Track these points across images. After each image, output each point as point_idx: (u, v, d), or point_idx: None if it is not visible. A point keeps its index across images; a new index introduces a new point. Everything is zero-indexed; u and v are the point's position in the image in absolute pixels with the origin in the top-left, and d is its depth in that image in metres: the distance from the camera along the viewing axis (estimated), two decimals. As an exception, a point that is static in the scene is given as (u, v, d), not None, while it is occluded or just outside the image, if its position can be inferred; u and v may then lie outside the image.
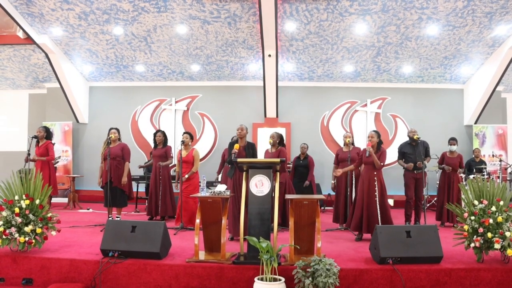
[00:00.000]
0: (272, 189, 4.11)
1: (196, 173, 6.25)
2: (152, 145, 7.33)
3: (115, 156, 6.25)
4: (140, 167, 8.13)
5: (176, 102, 10.24)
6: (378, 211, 5.18)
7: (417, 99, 9.99)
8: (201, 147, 9.97)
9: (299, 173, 7.47)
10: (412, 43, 8.41)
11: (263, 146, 8.76)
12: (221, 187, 4.34)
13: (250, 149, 5.43)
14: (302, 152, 7.62)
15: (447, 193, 6.72)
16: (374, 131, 5.51)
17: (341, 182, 6.46)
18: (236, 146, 5.25)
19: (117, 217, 6.45)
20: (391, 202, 8.83)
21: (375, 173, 5.29)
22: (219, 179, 7.48)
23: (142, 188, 9.10)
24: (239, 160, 4.19)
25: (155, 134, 7.12)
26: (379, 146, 5.42)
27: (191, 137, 6.47)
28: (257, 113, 10.05)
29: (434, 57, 8.89)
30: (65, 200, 9.66)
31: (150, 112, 10.38)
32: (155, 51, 8.95)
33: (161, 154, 6.95)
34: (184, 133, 6.47)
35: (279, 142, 6.31)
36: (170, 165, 6.99)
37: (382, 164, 5.29)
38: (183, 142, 6.22)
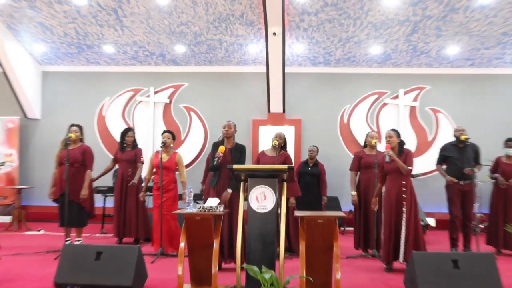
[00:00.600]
0: (278, 204, 4.13)
1: (175, 183, 6.39)
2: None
3: (74, 161, 6.33)
4: (99, 176, 7.49)
5: (155, 92, 10.29)
6: (403, 231, 5.21)
7: (465, 89, 9.97)
8: (187, 151, 10.04)
9: (305, 183, 7.33)
10: (459, 16, 8.38)
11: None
12: (212, 201, 4.39)
13: (238, 152, 5.53)
14: (311, 156, 7.55)
15: (504, 211, 6.70)
16: (392, 130, 5.62)
17: (367, 195, 6.44)
18: (221, 148, 5.35)
19: (77, 240, 6.46)
20: (432, 221, 8.83)
21: (403, 182, 5.36)
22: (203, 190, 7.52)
23: (110, 203, 8.99)
24: (235, 167, 4.22)
25: (125, 133, 7.34)
26: (401, 148, 5.51)
27: (173, 138, 6.58)
28: (259, 107, 10.07)
29: (489, 33, 8.85)
30: (8, 218, 9.58)
31: (122, 105, 10.41)
32: (128, 27, 8.94)
33: (130, 158, 7.20)
34: (165, 131, 6.56)
35: (283, 145, 6.41)
36: (140, 175, 7.16)
37: (410, 168, 5.35)
38: (164, 143, 6.32)
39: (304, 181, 7.39)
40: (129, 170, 7.14)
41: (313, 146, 7.70)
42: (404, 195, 5.31)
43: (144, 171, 7.04)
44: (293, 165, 5.28)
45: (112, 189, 8.44)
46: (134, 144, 7.34)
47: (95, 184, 7.13)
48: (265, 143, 9.57)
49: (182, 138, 10.23)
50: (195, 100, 10.29)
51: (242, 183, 4.25)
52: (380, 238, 5.87)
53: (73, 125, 6.58)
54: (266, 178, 4.16)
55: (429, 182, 9.59)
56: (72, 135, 6.40)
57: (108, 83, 10.40)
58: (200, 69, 10.27)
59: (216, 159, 5.31)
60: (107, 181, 8.88)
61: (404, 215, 5.26)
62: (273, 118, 9.99)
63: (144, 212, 7.14)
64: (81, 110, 10.34)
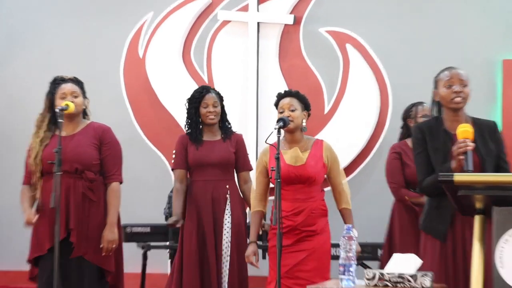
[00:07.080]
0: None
1: (325, 215, 3.95)
2: (183, 127, 4.69)
3: (84, 166, 3.77)
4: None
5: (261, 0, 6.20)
6: None
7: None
8: (340, 139, 5.92)
9: None
10: None
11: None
12: (402, 262, 2.79)
13: (486, 135, 3.33)
14: None
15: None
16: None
17: None
18: (466, 129, 3.10)
19: None
20: None
21: None
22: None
23: (159, 263, 6.19)
24: (458, 177, 2.57)
25: (199, 99, 4.46)
26: None
27: (306, 107, 4.03)
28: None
29: None
30: None
31: (183, 31, 6.45)
32: None
33: (221, 157, 4.45)
34: (286, 94, 4.11)
35: None
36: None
37: None
38: (284, 123, 3.91)
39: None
40: (227, 186, 4.36)
41: None
42: None
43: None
44: None
45: (161, 230, 5.55)
46: (225, 123, 4.55)
47: (124, 220, 4.02)
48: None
49: (327, 109, 6.04)
50: (357, 18, 6.06)
51: (478, 218, 2.63)
52: None
53: (62, 79, 3.79)
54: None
55: None
56: (70, 104, 3.61)
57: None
58: None
59: (465, 156, 2.88)
60: (152, 215, 5.77)
61: None
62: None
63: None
64: (83, 45, 6.56)
